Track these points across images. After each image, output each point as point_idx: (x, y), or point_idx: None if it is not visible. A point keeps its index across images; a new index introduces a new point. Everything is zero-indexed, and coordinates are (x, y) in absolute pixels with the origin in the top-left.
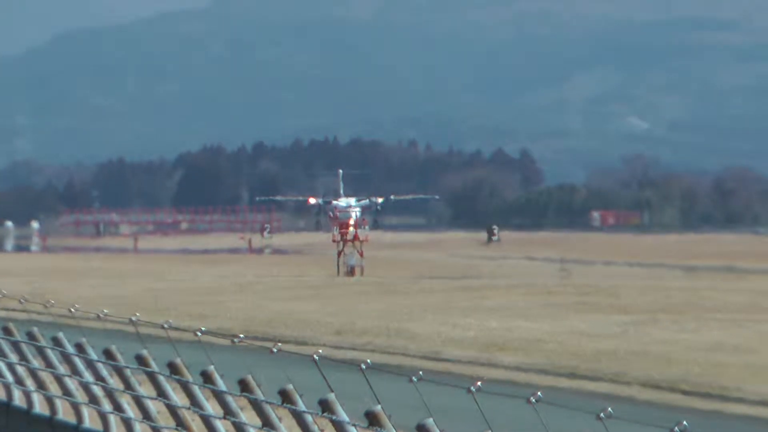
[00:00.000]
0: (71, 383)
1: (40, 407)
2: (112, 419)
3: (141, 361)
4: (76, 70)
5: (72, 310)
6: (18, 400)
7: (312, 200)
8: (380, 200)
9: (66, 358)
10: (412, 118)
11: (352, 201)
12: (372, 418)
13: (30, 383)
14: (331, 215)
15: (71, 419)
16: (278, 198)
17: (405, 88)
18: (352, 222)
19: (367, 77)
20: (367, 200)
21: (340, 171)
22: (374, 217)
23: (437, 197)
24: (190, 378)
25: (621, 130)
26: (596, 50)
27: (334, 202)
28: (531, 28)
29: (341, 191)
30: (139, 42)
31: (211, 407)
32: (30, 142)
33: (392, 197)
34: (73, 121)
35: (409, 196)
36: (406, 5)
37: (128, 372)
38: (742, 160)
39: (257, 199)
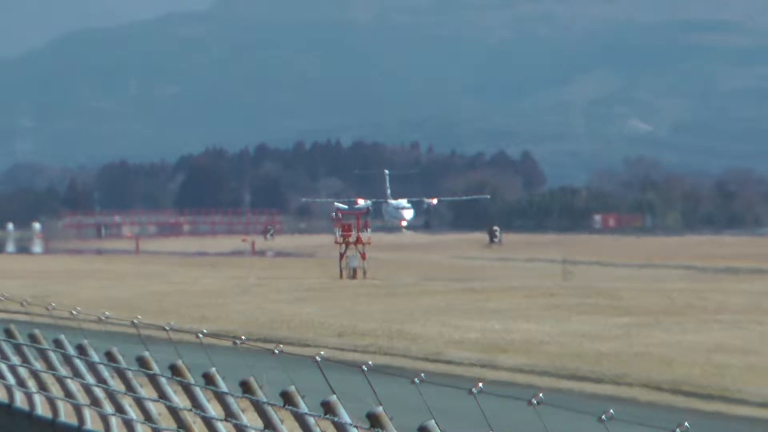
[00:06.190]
0: (73, 385)
1: (42, 409)
2: (114, 421)
3: (142, 363)
4: (78, 72)
5: (73, 312)
6: (20, 401)
7: (360, 201)
8: (434, 201)
9: (68, 360)
10: (413, 120)
11: (404, 202)
12: (374, 420)
13: (32, 385)
14: (334, 217)
15: (73, 421)
16: (319, 200)
17: (406, 90)
18: (404, 224)
19: (368, 80)
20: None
21: (386, 171)
22: (426, 219)
23: (488, 197)
24: (191, 380)
25: (623, 132)
26: (598, 52)
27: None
28: (532, 30)
29: (388, 192)
30: (141, 44)
31: (213, 409)
32: (32, 144)
33: (442, 199)
34: (74, 123)
35: (461, 198)
36: (407, 7)
37: (130, 374)
38: (744, 162)
39: (302, 200)
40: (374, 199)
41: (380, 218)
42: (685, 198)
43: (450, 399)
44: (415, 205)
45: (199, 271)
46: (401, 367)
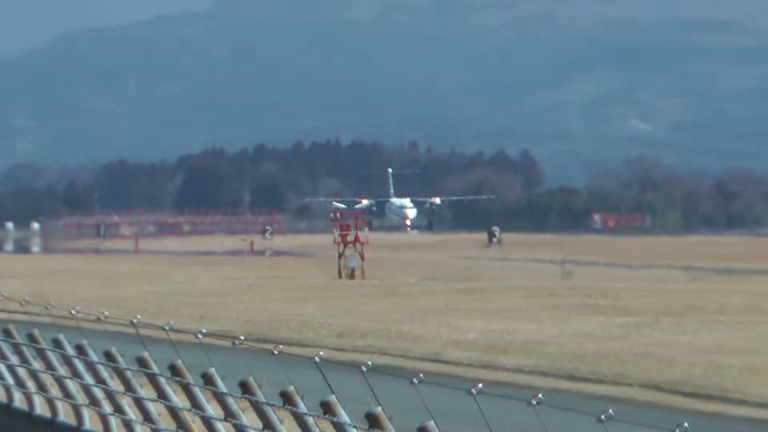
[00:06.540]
0: (72, 385)
1: (41, 409)
2: (113, 421)
3: (142, 363)
4: (78, 72)
5: (72, 311)
6: (19, 401)
7: (364, 201)
8: (437, 200)
9: (67, 360)
10: (413, 120)
11: (407, 201)
12: (373, 420)
13: (31, 385)
14: (332, 217)
15: (72, 421)
16: (321, 199)
17: (406, 90)
18: (408, 222)
19: (368, 79)
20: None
21: (390, 170)
22: (429, 218)
23: (493, 197)
24: (191, 380)
25: (622, 132)
26: (597, 52)
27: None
28: (532, 30)
29: (392, 191)
30: (140, 44)
31: (212, 409)
32: (31, 143)
33: (446, 198)
34: (74, 123)
35: (466, 197)
36: (407, 7)
37: (129, 374)
38: (744, 162)
39: (306, 200)
40: (376, 199)
41: (383, 218)
42: (684, 198)
43: (449, 399)
44: (418, 205)
45: (199, 270)
46: (400, 367)
